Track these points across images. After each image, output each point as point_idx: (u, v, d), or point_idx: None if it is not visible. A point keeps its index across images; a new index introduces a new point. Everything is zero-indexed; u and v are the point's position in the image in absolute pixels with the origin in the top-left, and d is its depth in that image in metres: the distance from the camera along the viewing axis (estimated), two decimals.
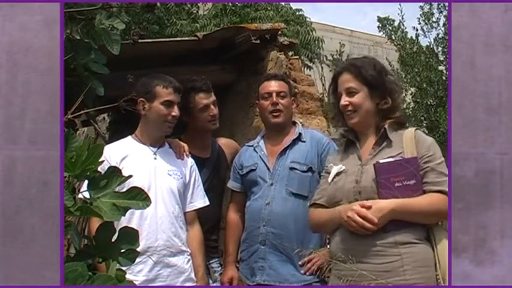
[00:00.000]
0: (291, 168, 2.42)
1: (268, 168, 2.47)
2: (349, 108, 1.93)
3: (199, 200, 2.40)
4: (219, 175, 2.67)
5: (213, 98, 2.57)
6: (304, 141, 2.49)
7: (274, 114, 2.50)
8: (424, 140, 1.86)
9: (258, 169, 2.49)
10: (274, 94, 2.51)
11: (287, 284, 2.34)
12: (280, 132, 2.55)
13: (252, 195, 2.50)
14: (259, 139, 2.61)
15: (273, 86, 2.54)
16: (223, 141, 2.81)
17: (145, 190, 1.23)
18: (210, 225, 2.56)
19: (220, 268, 2.61)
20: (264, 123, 2.65)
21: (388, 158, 1.82)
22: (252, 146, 2.61)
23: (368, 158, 1.89)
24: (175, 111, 2.30)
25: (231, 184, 2.62)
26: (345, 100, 1.94)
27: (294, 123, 2.61)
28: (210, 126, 2.57)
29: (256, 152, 2.55)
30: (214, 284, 2.53)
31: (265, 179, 2.46)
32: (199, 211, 2.42)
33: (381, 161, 1.81)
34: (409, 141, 1.84)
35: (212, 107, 2.55)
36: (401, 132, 1.89)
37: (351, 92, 1.93)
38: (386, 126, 1.89)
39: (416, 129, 1.91)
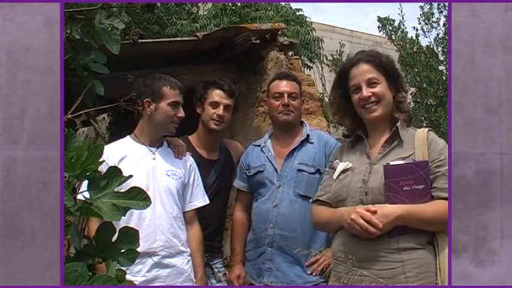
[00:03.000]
0: (299, 170, 2.41)
1: (276, 170, 2.46)
2: (372, 99, 1.83)
3: (199, 199, 2.40)
4: (227, 177, 2.67)
5: (228, 101, 2.57)
6: (312, 143, 2.48)
7: (284, 112, 2.49)
8: (437, 143, 1.79)
9: (265, 170, 2.48)
10: (285, 95, 2.50)
11: (294, 285, 2.33)
12: (289, 132, 2.53)
13: (260, 197, 2.49)
14: (267, 139, 2.59)
15: (285, 86, 2.53)
16: (228, 142, 2.81)
17: None
18: (215, 226, 2.58)
19: (223, 268, 2.62)
20: (272, 122, 2.64)
21: (399, 159, 1.77)
22: (259, 145, 2.59)
23: (378, 157, 1.83)
24: (181, 112, 2.32)
25: (238, 184, 2.62)
26: (367, 91, 1.83)
27: (302, 123, 2.60)
28: (211, 124, 2.56)
29: (264, 153, 2.53)
30: (218, 284, 2.53)
31: (272, 181, 2.45)
32: (205, 212, 2.42)
33: (392, 163, 1.75)
34: (421, 142, 1.78)
35: (221, 107, 2.55)
36: (412, 132, 1.83)
37: (373, 83, 1.84)
38: (398, 124, 1.83)
39: (429, 130, 1.84)
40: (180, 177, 2.32)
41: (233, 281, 2.50)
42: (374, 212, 1.70)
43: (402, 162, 1.76)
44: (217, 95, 2.57)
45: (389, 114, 1.88)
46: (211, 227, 2.51)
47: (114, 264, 1.17)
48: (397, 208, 1.70)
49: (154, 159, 2.29)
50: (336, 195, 1.87)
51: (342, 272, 1.78)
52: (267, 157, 2.51)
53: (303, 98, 3.20)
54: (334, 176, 1.90)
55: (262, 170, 2.49)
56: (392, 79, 1.88)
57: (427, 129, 1.85)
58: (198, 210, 2.41)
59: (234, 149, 2.78)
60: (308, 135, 2.50)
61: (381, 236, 1.71)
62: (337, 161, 1.95)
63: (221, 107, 2.55)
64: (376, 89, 1.84)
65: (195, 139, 2.63)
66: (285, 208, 2.38)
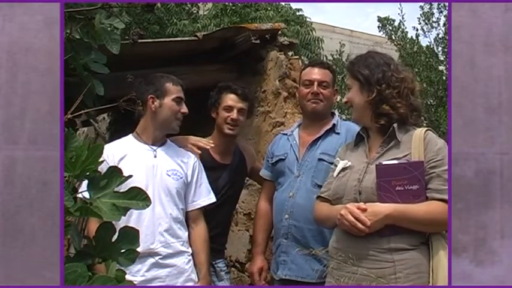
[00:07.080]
0: (320, 160, 2.34)
1: (297, 159, 2.41)
2: (349, 104, 1.96)
3: (203, 198, 2.37)
4: (237, 182, 2.67)
5: (241, 104, 2.56)
6: (338, 133, 2.41)
7: (313, 100, 2.43)
8: (434, 143, 1.78)
9: (287, 159, 2.44)
10: (315, 83, 2.43)
11: (308, 280, 2.27)
12: (317, 121, 2.47)
13: (279, 187, 2.45)
14: (295, 127, 2.56)
15: (316, 74, 2.46)
16: (243, 147, 2.79)
17: None
18: (219, 229, 2.58)
19: (226, 268, 2.61)
20: (302, 110, 2.61)
21: (394, 159, 1.77)
22: (286, 134, 2.56)
23: (374, 156, 1.85)
24: (185, 108, 2.32)
25: (263, 172, 2.59)
26: (345, 97, 1.98)
27: (333, 114, 2.55)
28: (226, 128, 2.55)
29: (289, 141, 2.49)
30: (220, 284, 2.52)
31: (292, 170, 2.39)
32: (211, 215, 2.41)
33: (384, 163, 1.76)
34: (418, 142, 1.78)
35: (235, 111, 2.54)
36: (413, 132, 1.83)
37: (349, 89, 1.96)
38: (395, 125, 1.83)
39: (427, 129, 1.84)
40: (181, 177, 2.30)
41: (254, 274, 2.45)
42: (364, 210, 1.72)
43: (395, 162, 1.76)
44: (230, 99, 2.57)
45: (366, 116, 1.90)
46: (215, 230, 2.49)
47: (114, 264, 1.17)
48: (387, 207, 1.71)
49: (155, 157, 2.28)
50: (334, 192, 1.89)
51: (333, 267, 1.79)
52: (291, 145, 2.46)
53: None
54: (335, 174, 1.93)
55: (283, 158, 2.45)
56: (364, 82, 1.88)
57: (425, 129, 1.84)
58: (204, 213, 2.38)
59: (248, 154, 2.77)
60: (334, 124, 2.43)
61: (372, 235, 1.72)
62: (337, 159, 1.97)
63: (235, 110, 2.55)
64: (348, 94, 1.96)
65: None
66: (301, 198, 2.30)
